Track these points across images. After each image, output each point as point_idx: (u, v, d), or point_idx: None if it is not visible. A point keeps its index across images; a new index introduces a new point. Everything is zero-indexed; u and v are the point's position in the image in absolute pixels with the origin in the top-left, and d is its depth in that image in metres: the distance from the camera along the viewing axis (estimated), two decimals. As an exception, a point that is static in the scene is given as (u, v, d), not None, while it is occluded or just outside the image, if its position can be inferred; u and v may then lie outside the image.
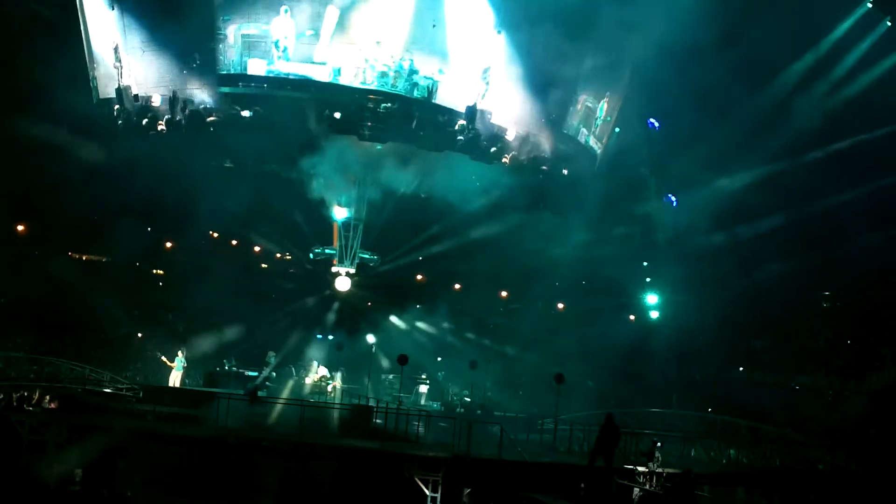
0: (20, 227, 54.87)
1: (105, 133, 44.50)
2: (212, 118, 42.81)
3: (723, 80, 44.46)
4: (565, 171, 46.64)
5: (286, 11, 41.24)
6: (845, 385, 46.34)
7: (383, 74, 42.41)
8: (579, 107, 46.36)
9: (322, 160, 45.38)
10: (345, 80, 42.32)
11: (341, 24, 41.67)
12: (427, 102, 43.17)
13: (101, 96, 44.48)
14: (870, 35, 46.94)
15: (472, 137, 43.33)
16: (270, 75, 42.31)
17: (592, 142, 47.63)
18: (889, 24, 46.56)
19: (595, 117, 47.22)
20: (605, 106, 47.22)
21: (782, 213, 49.96)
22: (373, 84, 42.50)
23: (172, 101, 42.56)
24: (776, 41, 44.77)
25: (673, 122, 50.14)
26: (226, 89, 42.66)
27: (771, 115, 48.19)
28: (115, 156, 44.55)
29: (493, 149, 44.07)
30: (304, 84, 42.24)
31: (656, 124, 51.00)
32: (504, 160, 44.53)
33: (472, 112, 43.21)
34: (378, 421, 37.33)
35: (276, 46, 41.78)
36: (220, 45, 41.76)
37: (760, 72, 47.79)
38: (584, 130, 47.01)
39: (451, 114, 43.42)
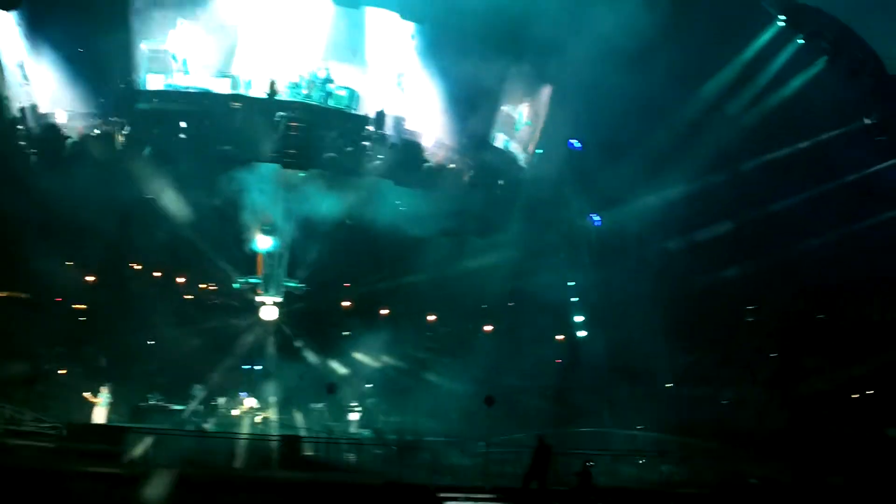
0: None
1: (19, 156, 43.22)
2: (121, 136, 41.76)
3: (643, 96, 44.88)
4: (479, 180, 46.05)
5: (182, 24, 40.39)
6: (771, 396, 47.00)
7: (295, 85, 41.91)
8: (499, 113, 46.13)
9: (243, 188, 45.01)
10: (256, 92, 41.64)
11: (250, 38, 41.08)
12: (341, 112, 42.62)
13: (12, 115, 43.12)
14: (782, 52, 47.96)
15: (381, 143, 42.83)
16: (168, 89, 41.43)
17: (514, 146, 47.40)
18: (800, 41, 47.65)
19: (514, 121, 46.98)
20: (525, 111, 46.94)
21: (707, 229, 50.44)
22: (284, 95, 41.92)
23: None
24: (693, 59, 45.47)
25: (595, 140, 50.33)
26: (143, 105, 41.73)
27: (692, 130, 48.67)
28: (27, 182, 43.39)
29: (413, 162, 43.67)
30: (205, 97, 41.46)
31: (577, 145, 51.24)
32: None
33: (380, 117, 42.96)
34: (308, 452, 37.05)
35: (174, 59, 41.00)
36: (132, 62, 40.90)
37: (679, 89, 48.27)
38: (502, 136, 46.70)
39: (361, 121, 42.94)
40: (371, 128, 43.10)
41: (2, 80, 41.93)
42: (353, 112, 43.18)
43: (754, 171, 49.39)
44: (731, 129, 48.28)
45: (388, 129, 43.35)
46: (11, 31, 41.22)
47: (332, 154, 42.84)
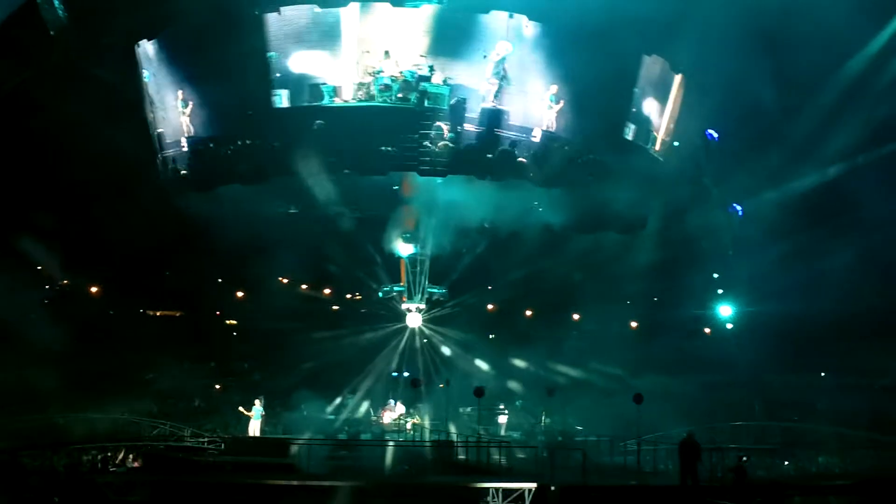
0: (94, 289, 55.77)
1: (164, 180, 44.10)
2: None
3: (776, 83, 43.77)
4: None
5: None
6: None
7: (386, 87, 39.03)
8: (628, 105, 43.24)
9: (380, 198, 45.49)
10: (346, 97, 39.07)
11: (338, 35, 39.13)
12: (440, 111, 39.31)
13: (155, 140, 43.56)
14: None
15: (457, 140, 39.35)
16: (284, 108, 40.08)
17: (646, 139, 45.18)
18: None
19: (644, 112, 44.12)
20: (655, 101, 44.32)
21: (849, 217, 48.67)
22: (373, 100, 39.00)
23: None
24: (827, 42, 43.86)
25: (733, 129, 49.26)
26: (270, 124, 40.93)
27: (831, 115, 47.11)
28: (173, 204, 44.46)
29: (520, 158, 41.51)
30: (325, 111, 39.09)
31: (715, 135, 50.19)
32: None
33: (458, 110, 39.38)
34: (461, 456, 37.36)
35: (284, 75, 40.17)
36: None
37: (812, 74, 46.56)
38: (633, 127, 43.83)
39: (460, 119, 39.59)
40: (443, 124, 40.25)
41: (149, 106, 43.02)
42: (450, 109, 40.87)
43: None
44: (869, 112, 46.25)
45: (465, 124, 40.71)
46: (152, 59, 42.13)
47: (441, 156, 40.60)
